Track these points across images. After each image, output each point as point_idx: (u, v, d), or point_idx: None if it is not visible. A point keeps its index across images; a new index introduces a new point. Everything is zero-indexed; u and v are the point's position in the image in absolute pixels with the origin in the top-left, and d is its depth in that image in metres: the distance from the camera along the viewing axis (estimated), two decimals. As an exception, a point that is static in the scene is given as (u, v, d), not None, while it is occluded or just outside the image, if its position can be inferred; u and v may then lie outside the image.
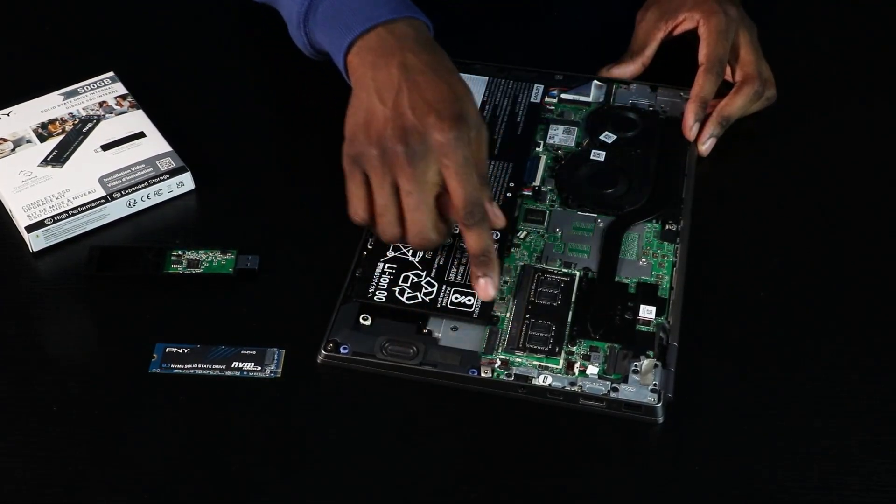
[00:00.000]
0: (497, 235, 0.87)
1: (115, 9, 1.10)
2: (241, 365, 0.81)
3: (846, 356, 0.82)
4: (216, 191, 0.94)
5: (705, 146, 0.95)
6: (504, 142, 0.95)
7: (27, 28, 1.09)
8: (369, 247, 0.86)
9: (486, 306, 0.83)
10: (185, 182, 0.93)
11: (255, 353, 0.82)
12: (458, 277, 0.84)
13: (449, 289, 0.84)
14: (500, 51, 1.03)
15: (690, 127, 0.94)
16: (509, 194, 0.90)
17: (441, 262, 0.85)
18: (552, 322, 0.82)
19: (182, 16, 1.09)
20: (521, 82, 1.00)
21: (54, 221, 0.89)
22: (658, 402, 0.78)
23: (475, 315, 0.83)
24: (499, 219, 0.83)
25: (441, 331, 0.82)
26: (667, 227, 0.89)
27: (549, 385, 0.79)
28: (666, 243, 0.88)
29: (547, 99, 0.98)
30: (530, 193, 0.91)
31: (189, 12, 1.09)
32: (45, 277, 0.89)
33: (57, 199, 0.90)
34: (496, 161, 0.93)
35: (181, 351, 0.82)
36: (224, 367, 0.81)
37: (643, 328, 0.82)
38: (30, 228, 0.88)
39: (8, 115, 0.96)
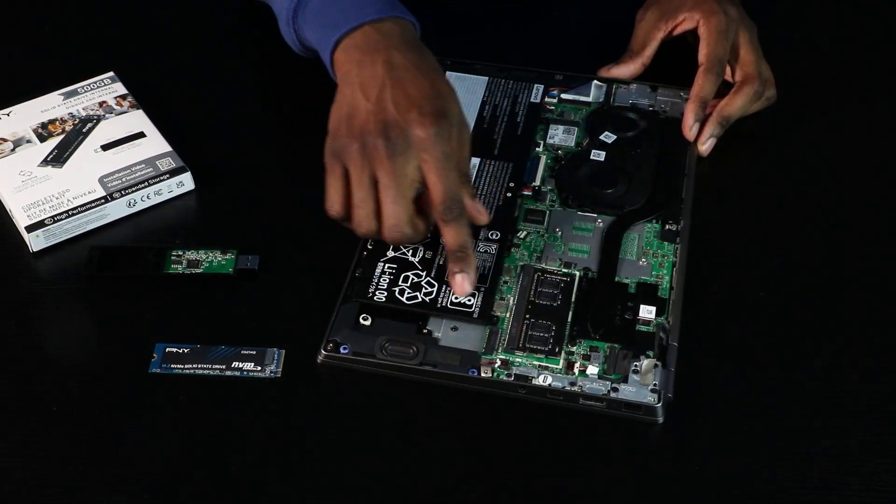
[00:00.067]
0: (497, 235, 0.87)
1: (115, 9, 1.10)
2: (241, 365, 0.81)
3: (846, 356, 0.82)
4: (216, 191, 0.94)
5: (705, 146, 0.95)
6: (504, 142, 0.95)
7: (27, 28, 1.09)
8: (369, 247, 0.86)
9: (487, 306, 0.83)
10: (185, 182, 0.93)
11: (255, 353, 0.82)
12: (458, 277, 0.84)
13: (449, 289, 0.84)
14: (500, 51, 1.03)
15: (690, 127, 0.94)
16: (509, 194, 0.90)
17: (441, 262, 0.85)
18: (552, 322, 0.82)
19: (182, 16, 1.09)
20: (521, 82, 1.00)
21: (54, 221, 0.89)
22: (658, 402, 0.78)
23: (475, 315, 0.83)
24: (481, 215, 0.83)
25: (441, 331, 0.82)
26: (667, 227, 0.89)
27: (549, 385, 0.79)
28: (666, 243, 0.88)
29: (547, 99, 0.98)
30: (530, 193, 0.91)
31: (189, 12, 1.09)
32: (45, 277, 0.89)
33: (57, 199, 0.90)
34: (496, 161, 0.93)
35: (181, 351, 0.82)
36: (224, 367, 0.81)
37: (643, 328, 0.82)
38: (30, 228, 0.88)
39: (8, 115, 0.96)
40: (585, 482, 0.76)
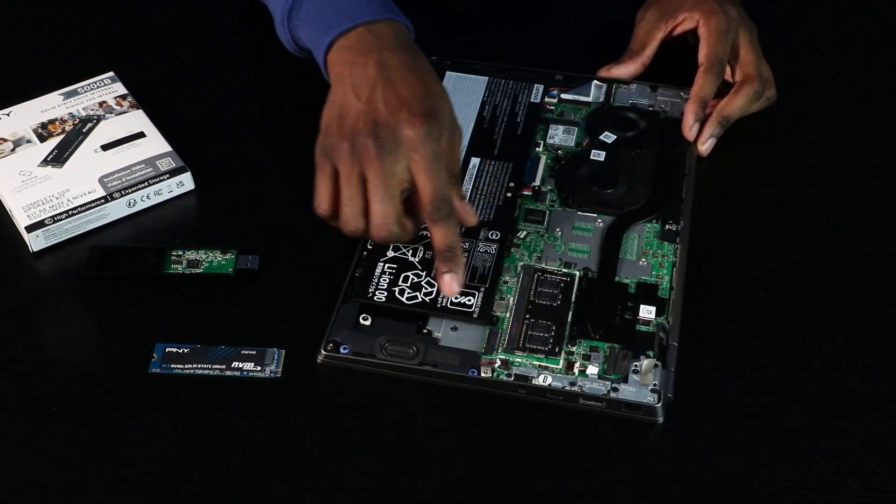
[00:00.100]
0: (497, 235, 0.87)
1: (115, 9, 1.10)
2: (241, 365, 0.81)
3: (846, 356, 0.82)
4: (216, 191, 0.94)
5: (705, 146, 0.95)
6: (504, 142, 0.95)
7: (27, 28, 1.09)
8: (369, 247, 0.86)
9: (487, 306, 0.83)
10: (185, 182, 0.93)
11: (255, 353, 0.82)
12: (458, 277, 0.84)
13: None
14: (500, 51, 1.03)
15: (690, 127, 0.94)
16: (509, 194, 0.90)
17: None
18: (552, 322, 0.82)
19: (182, 16, 1.09)
20: (521, 82, 1.00)
21: (54, 221, 0.89)
22: (658, 402, 0.78)
23: (475, 315, 0.83)
24: (470, 216, 0.83)
25: (441, 331, 0.82)
26: (667, 227, 0.89)
27: (549, 385, 0.79)
28: (666, 243, 0.88)
29: (547, 99, 0.98)
30: (530, 193, 0.91)
31: (189, 12, 1.09)
32: (45, 277, 0.89)
33: (57, 199, 0.90)
34: (496, 161, 0.93)
35: (181, 351, 0.82)
36: (224, 367, 0.81)
37: (643, 328, 0.82)
38: (30, 228, 0.88)
39: (8, 115, 0.96)
40: (585, 482, 0.76)
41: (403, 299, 0.83)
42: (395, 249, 0.86)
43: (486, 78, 1.00)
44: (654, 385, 0.79)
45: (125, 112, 0.96)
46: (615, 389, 0.79)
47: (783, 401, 0.80)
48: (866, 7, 1.10)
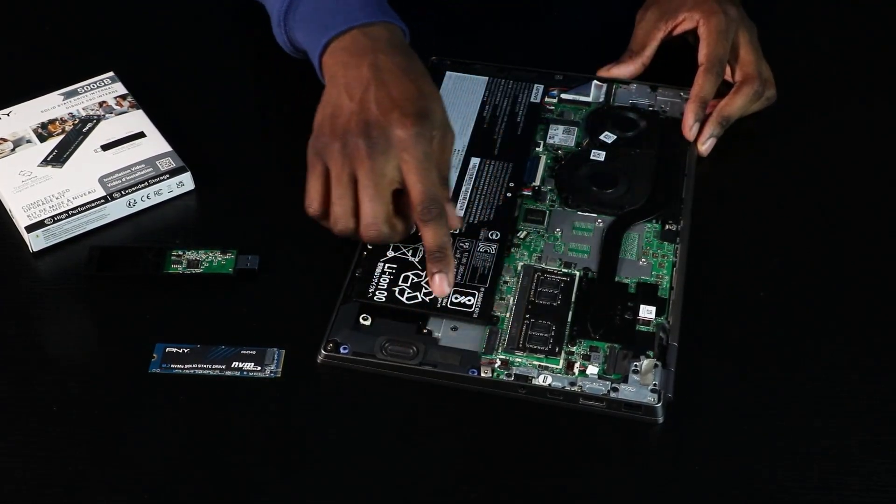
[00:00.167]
0: (497, 235, 0.87)
1: (115, 9, 1.10)
2: (241, 365, 0.81)
3: (846, 356, 0.82)
4: (216, 191, 0.94)
5: (705, 146, 0.95)
6: (504, 142, 0.95)
7: (27, 28, 1.09)
8: (369, 247, 0.86)
9: (486, 306, 0.83)
10: (185, 182, 0.93)
11: (255, 353, 0.82)
12: (459, 277, 0.84)
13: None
14: (500, 51, 1.03)
15: (690, 127, 0.94)
16: (509, 194, 0.90)
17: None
18: (552, 322, 0.82)
19: (182, 16, 1.09)
20: (521, 82, 1.00)
21: (54, 221, 0.89)
22: (658, 402, 0.78)
23: (475, 315, 0.83)
24: (454, 220, 0.83)
25: (441, 331, 0.82)
26: (667, 227, 0.89)
27: (549, 385, 0.79)
28: (666, 243, 0.88)
29: (547, 99, 0.98)
30: (530, 193, 0.91)
31: (189, 12, 1.09)
32: (45, 277, 0.89)
33: (57, 199, 0.90)
34: (496, 161, 0.93)
35: (181, 351, 0.82)
36: (224, 367, 0.81)
37: (643, 328, 0.82)
38: (30, 228, 0.88)
39: (8, 115, 0.96)
40: (585, 482, 0.76)
41: (403, 299, 0.83)
42: (395, 249, 0.86)
43: (486, 78, 1.00)
44: (654, 385, 0.79)
45: (125, 112, 0.96)
46: (615, 389, 0.79)
47: (783, 401, 0.80)
48: (866, 7, 1.10)
